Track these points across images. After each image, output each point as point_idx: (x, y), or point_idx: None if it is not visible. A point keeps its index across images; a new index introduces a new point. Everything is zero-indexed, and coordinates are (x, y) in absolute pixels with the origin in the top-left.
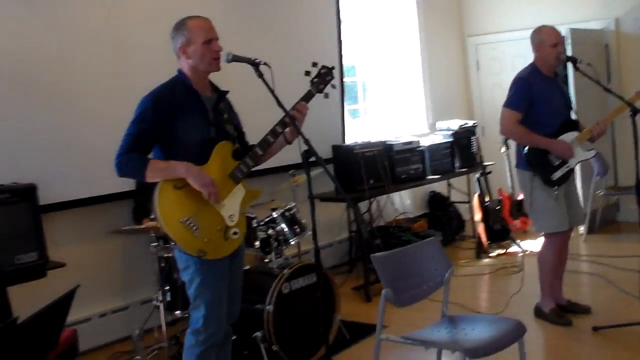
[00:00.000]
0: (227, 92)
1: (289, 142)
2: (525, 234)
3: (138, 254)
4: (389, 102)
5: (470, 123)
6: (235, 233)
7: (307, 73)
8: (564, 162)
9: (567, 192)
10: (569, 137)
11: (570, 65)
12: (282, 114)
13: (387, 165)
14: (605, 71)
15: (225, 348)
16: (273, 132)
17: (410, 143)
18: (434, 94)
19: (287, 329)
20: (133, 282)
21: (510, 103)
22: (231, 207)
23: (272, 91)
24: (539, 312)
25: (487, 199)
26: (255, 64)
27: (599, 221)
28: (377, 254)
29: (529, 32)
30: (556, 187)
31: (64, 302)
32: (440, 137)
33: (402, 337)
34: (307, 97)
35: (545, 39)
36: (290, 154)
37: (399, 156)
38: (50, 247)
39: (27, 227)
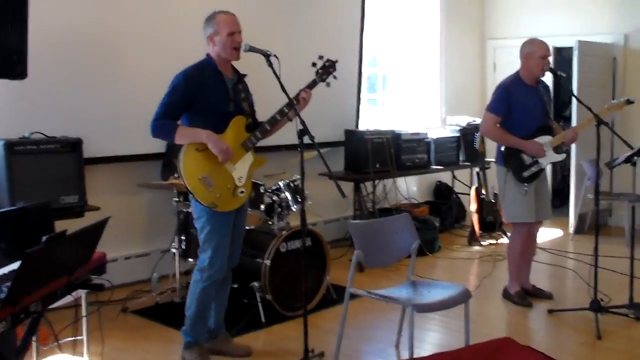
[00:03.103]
0: (245, 75)
1: (290, 120)
2: None
3: (162, 208)
4: (406, 95)
5: (478, 120)
6: (242, 192)
7: (314, 64)
8: (535, 162)
9: (538, 189)
10: (543, 140)
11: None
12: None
13: (394, 152)
14: (610, 82)
15: (224, 288)
16: (280, 112)
17: (417, 134)
18: (448, 90)
19: (281, 283)
20: (155, 232)
21: (491, 107)
22: (241, 170)
23: (278, 78)
24: (505, 294)
25: (483, 192)
26: (266, 55)
27: (589, 224)
28: (355, 221)
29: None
30: (526, 183)
31: (98, 227)
32: (448, 131)
33: (366, 291)
34: (311, 85)
35: (537, 49)
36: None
37: (406, 145)
38: (89, 193)
39: (72, 174)
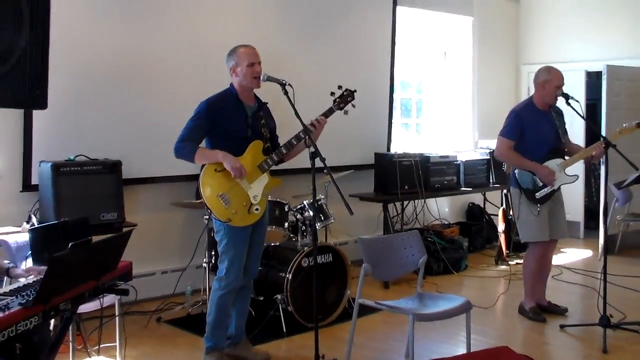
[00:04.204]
0: (266, 103)
1: (308, 146)
2: None
3: (195, 226)
4: (440, 119)
5: None
6: (257, 209)
7: (332, 94)
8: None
9: (553, 209)
10: (555, 162)
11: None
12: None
13: (422, 174)
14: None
15: (244, 297)
16: (297, 137)
17: (447, 157)
18: (482, 114)
19: (301, 295)
20: (191, 248)
21: (504, 132)
22: (256, 189)
23: (293, 105)
24: (521, 309)
25: (511, 213)
26: (282, 84)
27: (619, 245)
28: (364, 237)
29: (575, 65)
30: (538, 204)
31: (123, 237)
32: (478, 154)
33: (374, 302)
34: (328, 112)
35: (553, 79)
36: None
37: (434, 167)
38: (127, 211)
39: (112, 193)
